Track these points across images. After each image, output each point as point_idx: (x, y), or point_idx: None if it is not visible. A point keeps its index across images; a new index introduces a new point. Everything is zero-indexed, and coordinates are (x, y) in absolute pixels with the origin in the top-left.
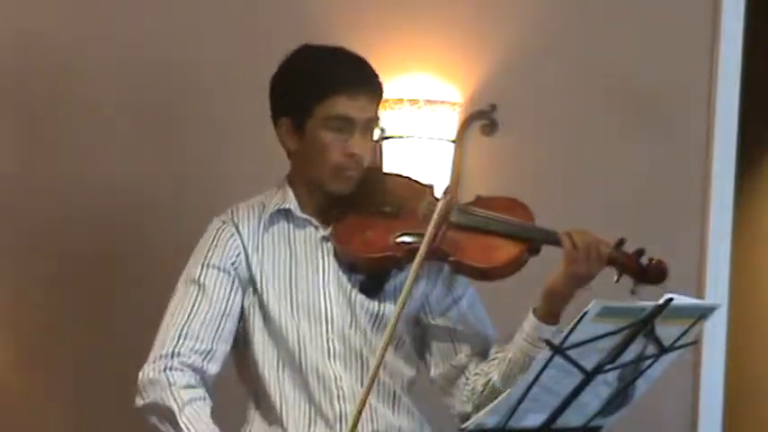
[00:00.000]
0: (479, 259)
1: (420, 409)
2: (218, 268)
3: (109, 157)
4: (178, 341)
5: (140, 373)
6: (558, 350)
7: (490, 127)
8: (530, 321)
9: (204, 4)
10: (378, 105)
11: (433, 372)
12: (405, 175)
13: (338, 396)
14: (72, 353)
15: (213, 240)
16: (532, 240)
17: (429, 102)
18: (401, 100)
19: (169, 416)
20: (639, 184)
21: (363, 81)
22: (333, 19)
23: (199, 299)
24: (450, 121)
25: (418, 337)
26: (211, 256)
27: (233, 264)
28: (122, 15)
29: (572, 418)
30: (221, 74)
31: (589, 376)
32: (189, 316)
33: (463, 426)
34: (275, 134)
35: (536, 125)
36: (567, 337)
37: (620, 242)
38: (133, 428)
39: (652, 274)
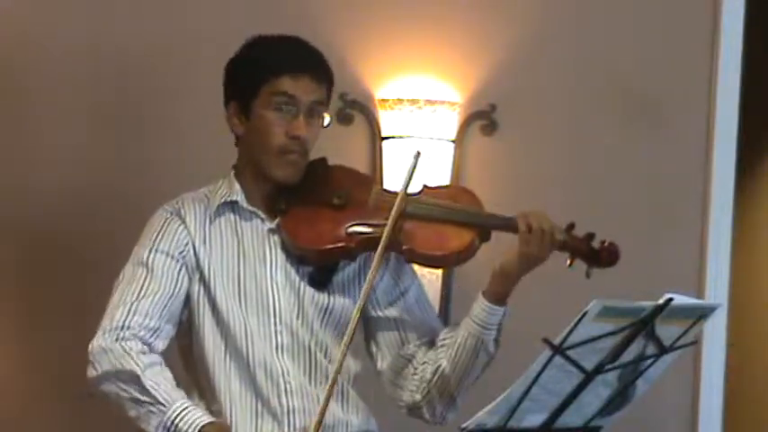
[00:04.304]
0: (432, 247)
1: (365, 402)
2: (167, 254)
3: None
4: (128, 316)
5: (90, 345)
6: (558, 350)
7: (490, 127)
8: (479, 304)
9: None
10: (326, 91)
11: (380, 364)
12: (348, 166)
13: (286, 390)
14: (71, 353)
15: (161, 229)
16: (483, 226)
17: (429, 102)
18: (401, 100)
19: (132, 378)
20: (639, 185)
21: (307, 62)
22: (332, 19)
23: (147, 280)
24: (450, 121)
25: (364, 330)
26: (159, 242)
27: (181, 252)
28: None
29: (572, 418)
30: (215, 74)
31: (589, 376)
32: (138, 295)
33: (463, 426)
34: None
35: (536, 125)
36: (567, 337)
37: (571, 226)
38: (132, 428)
39: (604, 256)
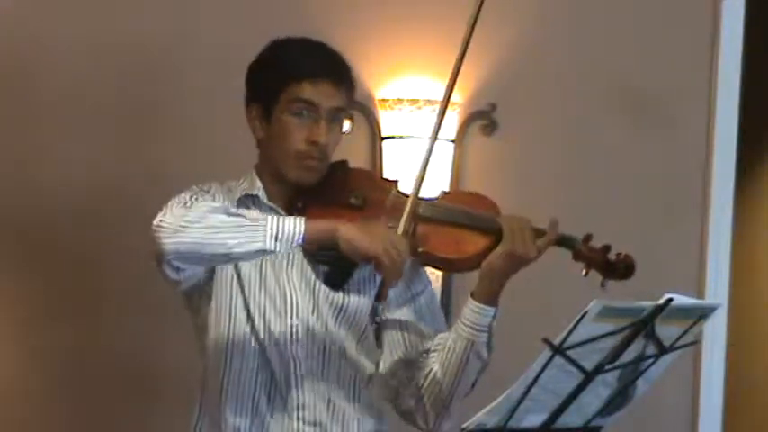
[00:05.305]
0: (448, 251)
1: (379, 404)
2: None
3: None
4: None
5: (155, 223)
6: (558, 350)
7: (490, 127)
8: (468, 305)
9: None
10: (346, 96)
11: (381, 367)
12: (369, 170)
13: (296, 385)
14: (72, 352)
15: (197, 193)
16: (499, 232)
17: (429, 102)
18: (401, 100)
19: (224, 210)
20: (640, 185)
21: (328, 68)
22: (332, 19)
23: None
24: (450, 121)
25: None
26: (198, 198)
27: None
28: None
29: (572, 418)
30: (215, 73)
31: (589, 376)
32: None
33: (463, 426)
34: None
35: (536, 125)
36: (566, 337)
37: (588, 237)
38: (133, 428)
39: (619, 268)
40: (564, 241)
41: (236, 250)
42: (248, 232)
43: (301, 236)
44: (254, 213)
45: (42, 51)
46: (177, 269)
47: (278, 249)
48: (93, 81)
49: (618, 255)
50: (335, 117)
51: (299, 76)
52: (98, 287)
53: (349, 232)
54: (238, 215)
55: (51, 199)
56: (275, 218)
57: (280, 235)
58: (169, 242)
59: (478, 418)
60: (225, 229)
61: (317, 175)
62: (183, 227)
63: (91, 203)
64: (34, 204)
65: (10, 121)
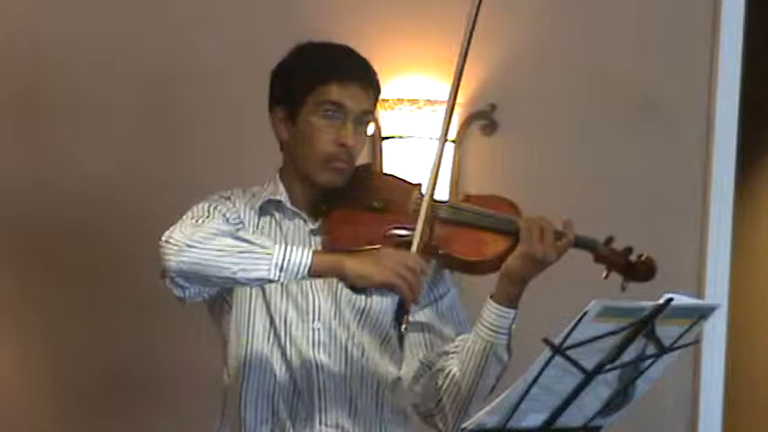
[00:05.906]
0: (469, 253)
1: (404, 407)
2: (224, 215)
3: (97, 156)
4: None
5: (163, 237)
6: (558, 350)
7: (490, 127)
8: (488, 307)
9: (202, 3)
10: (373, 100)
11: (404, 370)
12: (393, 174)
13: (319, 388)
14: (72, 353)
15: (215, 202)
16: (519, 233)
17: (429, 102)
18: (401, 100)
19: (229, 233)
20: (639, 184)
21: (355, 71)
22: (333, 20)
23: (209, 220)
24: (451, 121)
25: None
26: (217, 207)
27: (235, 225)
28: (113, 13)
29: (572, 418)
30: (219, 75)
31: (589, 376)
32: (203, 221)
33: (463, 426)
34: (265, 137)
35: (536, 125)
36: (567, 336)
37: (609, 239)
38: (133, 428)
39: (641, 270)
40: (586, 243)
41: (240, 276)
42: (253, 259)
43: (308, 268)
44: (264, 240)
45: (43, 53)
46: (182, 287)
47: (282, 279)
48: (96, 84)
49: (639, 256)
50: (363, 120)
51: (328, 79)
52: (99, 288)
53: (356, 266)
54: (246, 241)
55: (52, 200)
56: (283, 247)
57: (285, 266)
58: (173, 260)
59: (478, 417)
60: (230, 253)
61: (344, 178)
62: (189, 246)
63: (92, 204)
64: (35, 205)
65: (12, 123)
